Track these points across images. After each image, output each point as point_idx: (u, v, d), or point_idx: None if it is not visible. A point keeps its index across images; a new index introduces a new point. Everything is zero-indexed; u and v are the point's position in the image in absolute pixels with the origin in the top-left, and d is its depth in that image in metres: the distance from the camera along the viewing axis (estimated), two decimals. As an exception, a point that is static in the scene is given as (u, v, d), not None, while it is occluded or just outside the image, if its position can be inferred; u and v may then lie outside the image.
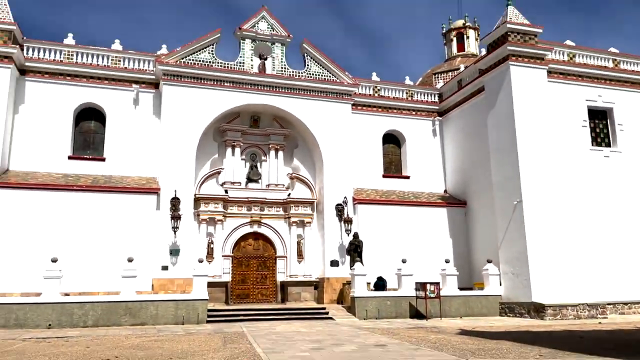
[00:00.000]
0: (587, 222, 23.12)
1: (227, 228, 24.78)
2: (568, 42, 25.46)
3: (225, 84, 24.77)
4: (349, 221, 24.74)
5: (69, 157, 23.14)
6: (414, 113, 29.19)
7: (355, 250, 23.26)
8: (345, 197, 25.13)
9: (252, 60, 25.56)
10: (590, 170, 23.88)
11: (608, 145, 24.99)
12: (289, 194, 25.89)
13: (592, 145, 24.54)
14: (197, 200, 24.20)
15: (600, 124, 25.26)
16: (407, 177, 28.48)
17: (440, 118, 29.27)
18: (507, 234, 22.41)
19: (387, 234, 25.73)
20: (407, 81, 30.30)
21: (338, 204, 25.24)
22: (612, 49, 26.15)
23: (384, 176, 28.05)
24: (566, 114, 24.12)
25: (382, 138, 28.47)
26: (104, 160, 23.65)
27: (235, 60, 25.26)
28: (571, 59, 24.95)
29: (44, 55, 23.49)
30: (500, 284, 22.50)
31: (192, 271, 19.84)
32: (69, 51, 23.82)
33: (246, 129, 25.91)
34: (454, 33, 36.26)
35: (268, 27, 26.03)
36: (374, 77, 29.09)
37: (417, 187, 28.35)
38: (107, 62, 24.25)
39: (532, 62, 23.20)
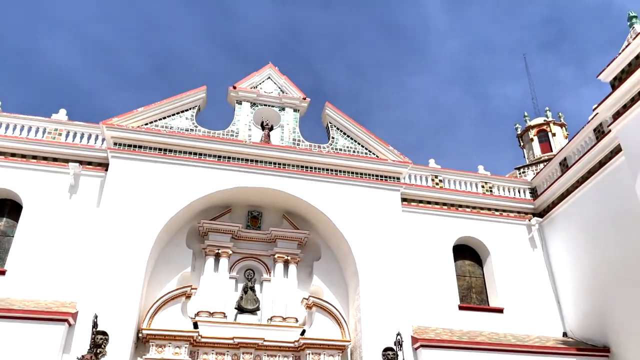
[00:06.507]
0: None
1: (195, 391, 14.28)
2: None
3: (208, 158, 16.47)
4: (407, 377, 13.82)
5: (-55, 266, 14.37)
6: (497, 214, 19.46)
7: None
8: (399, 335, 14.51)
9: (250, 129, 17.49)
10: None
11: None
12: (303, 332, 15.57)
13: None
14: (145, 341, 14.30)
15: None
16: (500, 311, 17.65)
17: (541, 219, 19.32)
18: None
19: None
20: (481, 171, 20.98)
21: (387, 349, 14.66)
22: None
23: (460, 307, 17.41)
24: None
25: (452, 250, 18.49)
26: (2, 273, 14.69)
27: (226, 128, 17.32)
28: None
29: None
30: None
31: None
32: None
33: (240, 230, 16.80)
34: (533, 132, 27.69)
35: (276, 88, 18.42)
36: (432, 164, 20.09)
37: (517, 326, 17.32)
38: (43, 135, 16.74)
39: None
